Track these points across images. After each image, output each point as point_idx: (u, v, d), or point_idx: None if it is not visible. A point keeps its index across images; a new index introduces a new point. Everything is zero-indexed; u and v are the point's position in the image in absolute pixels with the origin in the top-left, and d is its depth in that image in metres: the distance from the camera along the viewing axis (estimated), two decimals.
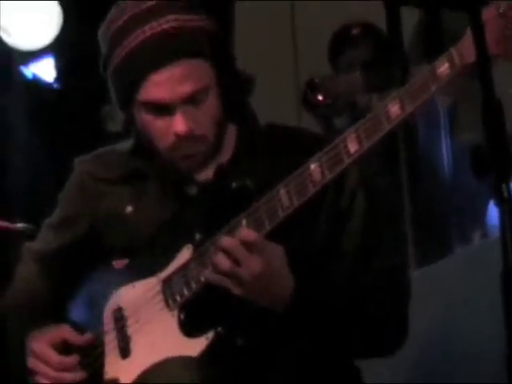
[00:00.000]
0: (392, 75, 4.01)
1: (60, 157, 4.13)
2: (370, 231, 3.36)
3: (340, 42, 4.64)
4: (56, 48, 7.06)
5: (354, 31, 4.65)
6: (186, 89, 3.31)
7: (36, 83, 7.13)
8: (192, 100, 3.32)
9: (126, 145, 3.59)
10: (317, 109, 3.86)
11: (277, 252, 3.14)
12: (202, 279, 3.23)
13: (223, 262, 3.12)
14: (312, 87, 3.85)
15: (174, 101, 3.31)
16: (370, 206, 3.38)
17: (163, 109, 3.33)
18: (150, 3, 3.40)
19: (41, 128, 6.95)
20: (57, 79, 7.13)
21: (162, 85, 3.33)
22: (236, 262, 3.10)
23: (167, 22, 3.36)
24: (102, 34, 3.48)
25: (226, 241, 3.13)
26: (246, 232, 3.13)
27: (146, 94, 3.33)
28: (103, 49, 3.46)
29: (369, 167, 3.48)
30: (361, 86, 3.79)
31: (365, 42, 4.59)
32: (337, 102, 3.77)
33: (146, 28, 3.36)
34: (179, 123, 3.31)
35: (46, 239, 3.72)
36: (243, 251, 3.11)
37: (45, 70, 7.15)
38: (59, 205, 3.71)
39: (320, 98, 3.82)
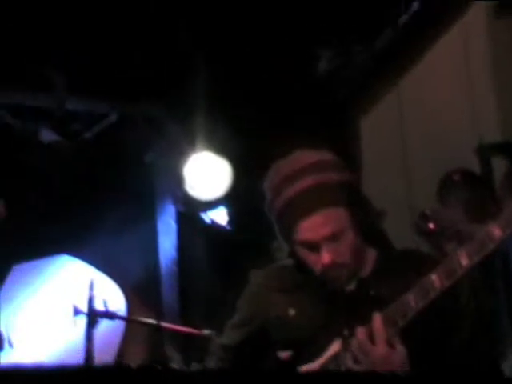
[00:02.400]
0: (488, 213, 4.09)
1: (234, 278, 4.25)
2: (477, 327, 3.42)
3: (445, 185, 4.65)
4: (228, 199, 7.16)
5: (456, 177, 4.66)
6: (326, 231, 3.47)
7: (213, 226, 7.24)
8: (333, 238, 3.47)
9: (289, 262, 3.72)
10: (429, 236, 3.98)
11: (400, 353, 3.29)
12: (348, 366, 3.35)
13: (358, 353, 3.31)
14: (424, 218, 3.98)
15: (318, 240, 3.47)
16: (478, 307, 3.44)
17: (313, 246, 3.50)
18: (298, 166, 3.59)
19: (217, 257, 7.12)
20: (229, 222, 7.21)
21: (309, 229, 3.49)
22: (364, 352, 3.29)
23: (310, 180, 3.53)
24: (265, 187, 3.66)
25: (361, 336, 3.30)
26: (378, 330, 3.30)
27: (299, 236, 3.50)
28: (267, 197, 3.65)
29: (474, 277, 3.48)
30: (463, 218, 3.91)
31: (464, 185, 4.59)
32: (445, 230, 3.88)
33: (297, 184, 3.53)
34: (324, 257, 3.47)
35: (229, 336, 3.85)
36: (370, 345, 3.29)
37: (219, 216, 7.26)
38: (238, 309, 3.84)
39: (431, 226, 3.94)
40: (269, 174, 3.69)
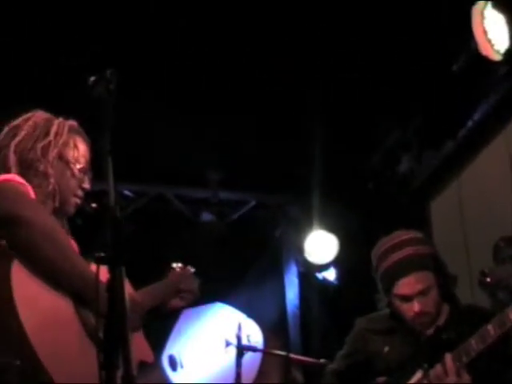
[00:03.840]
0: None
1: (342, 321, 4.25)
2: None
3: (496, 249, 4.46)
4: (336, 262, 7.03)
5: (501, 243, 4.53)
6: (419, 287, 3.53)
7: (324, 282, 7.14)
8: (422, 293, 3.52)
9: (385, 311, 3.74)
10: (487, 288, 3.91)
11: (466, 380, 3.27)
12: None
13: (434, 380, 3.34)
14: (483, 274, 3.92)
15: (412, 294, 3.52)
16: None
17: (407, 298, 3.55)
18: (398, 240, 3.63)
19: (328, 305, 7.02)
20: (336, 279, 7.08)
21: (406, 286, 3.54)
22: (440, 381, 3.31)
23: (409, 250, 3.57)
24: (373, 254, 3.71)
25: (438, 368, 3.33)
26: (450, 363, 3.30)
27: (398, 290, 3.57)
28: (374, 262, 3.70)
29: None
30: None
31: (509, 247, 4.43)
32: (499, 283, 3.81)
33: (397, 254, 3.58)
34: (416, 307, 3.52)
35: (338, 363, 3.87)
36: (444, 375, 3.29)
37: (330, 275, 7.13)
38: (346, 344, 3.88)
39: (488, 280, 3.89)
40: (376, 245, 3.72)
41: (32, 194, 2.69)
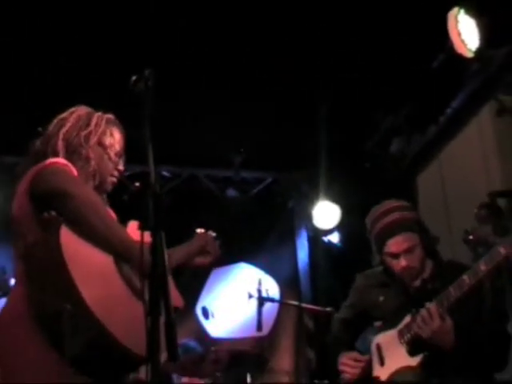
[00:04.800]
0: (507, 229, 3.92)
1: (345, 277, 4.19)
2: (495, 313, 3.35)
3: (479, 213, 4.34)
4: (340, 227, 7.03)
5: (482, 211, 4.47)
6: (404, 246, 3.46)
7: (329, 244, 7.13)
8: (408, 251, 3.47)
9: (379, 268, 3.68)
10: (470, 244, 3.82)
11: (447, 322, 3.21)
12: (415, 331, 3.30)
13: (419, 322, 3.24)
14: (467, 233, 3.84)
15: (399, 252, 3.48)
16: (495, 298, 3.35)
17: (395, 256, 3.48)
18: (387, 207, 3.57)
19: (333, 264, 6.99)
20: (340, 242, 7.08)
21: (394, 245, 3.49)
22: (425, 322, 3.23)
23: (396, 215, 3.53)
24: (367, 220, 3.66)
25: (423, 312, 3.24)
26: (433, 308, 3.23)
27: (387, 249, 3.51)
28: (368, 227, 3.64)
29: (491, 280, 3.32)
30: (492, 234, 3.73)
31: (490, 214, 4.28)
32: (479, 240, 3.73)
33: (386, 218, 3.53)
34: (403, 262, 3.47)
35: (343, 312, 3.85)
36: (428, 317, 3.22)
37: (334, 238, 7.12)
38: (349, 296, 3.83)
39: (471, 238, 3.80)
40: (370, 212, 3.65)
41: (76, 174, 2.71)
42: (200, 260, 2.97)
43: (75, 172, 2.72)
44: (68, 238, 2.48)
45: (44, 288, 2.42)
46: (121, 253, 2.55)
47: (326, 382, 4.93)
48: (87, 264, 2.47)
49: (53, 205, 2.56)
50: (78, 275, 2.38)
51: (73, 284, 2.35)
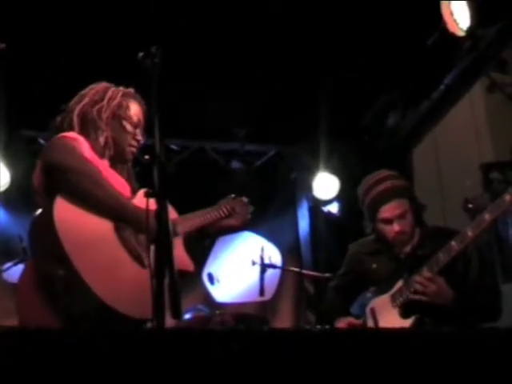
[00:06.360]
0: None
1: (342, 246, 4.10)
2: (483, 273, 3.37)
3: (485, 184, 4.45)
4: (338, 198, 6.99)
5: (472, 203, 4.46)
6: (397, 212, 3.46)
7: (329, 214, 7.08)
8: (400, 216, 3.47)
9: (371, 237, 3.68)
10: (470, 212, 3.81)
11: (442, 282, 3.25)
12: (409, 295, 3.34)
13: (418, 287, 3.28)
14: (467, 201, 3.82)
15: (392, 217, 3.47)
16: (482, 261, 3.38)
17: (388, 221, 3.48)
18: (379, 177, 3.57)
19: (332, 233, 6.92)
20: (339, 212, 7.04)
21: (387, 211, 3.47)
22: (424, 286, 3.27)
23: (388, 184, 3.53)
24: (359, 190, 3.66)
25: (417, 278, 3.29)
26: (426, 273, 3.27)
27: (381, 215, 3.50)
28: (360, 197, 3.64)
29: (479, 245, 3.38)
30: (488, 201, 3.71)
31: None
32: (478, 208, 3.71)
33: (379, 186, 3.53)
34: (396, 227, 3.46)
35: (337, 279, 3.83)
36: (426, 282, 3.26)
37: (333, 208, 7.08)
38: (343, 265, 3.79)
39: (470, 206, 3.79)
40: (362, 183, 3.65)
41: (86, 147, 2.75)
42: (228, 222, 3.01)
43: (85, 145, 2.75)
44: (62, 206, 2.51)
45: (42, 256, 2.48)
46: (123, 219, 2.59)
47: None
48: (80, 230, 2.50)
49: (53, 177, 2.60)
50: (68, 240, 2.42)
51: (62, 250, 2.40)
